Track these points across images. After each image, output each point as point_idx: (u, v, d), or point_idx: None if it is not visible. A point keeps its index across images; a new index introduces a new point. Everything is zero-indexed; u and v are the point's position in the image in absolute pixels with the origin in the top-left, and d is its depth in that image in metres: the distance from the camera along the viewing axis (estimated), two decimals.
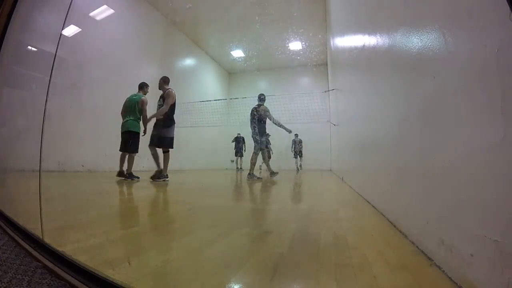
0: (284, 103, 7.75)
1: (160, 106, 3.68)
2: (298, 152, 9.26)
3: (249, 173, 4.44)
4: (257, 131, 4.51)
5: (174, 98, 3.67)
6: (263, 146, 4.59)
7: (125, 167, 3.69)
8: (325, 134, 8.25)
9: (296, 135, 8.98)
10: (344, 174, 3.98)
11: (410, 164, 0.99)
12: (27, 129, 1.73)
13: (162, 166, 3.65)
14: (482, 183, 0.54)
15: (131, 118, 3.70)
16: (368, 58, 1.76)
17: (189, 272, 0.72)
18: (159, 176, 3.57)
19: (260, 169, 7.74)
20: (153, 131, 3.70)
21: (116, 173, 3.71)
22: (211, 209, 1.77)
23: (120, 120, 3.81)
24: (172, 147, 3.72)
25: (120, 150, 3.76)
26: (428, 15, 0.80)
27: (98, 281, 0.61)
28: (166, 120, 3.63)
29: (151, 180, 3.51)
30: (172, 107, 3.66)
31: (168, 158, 3.70)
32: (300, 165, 9.35)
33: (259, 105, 4.59)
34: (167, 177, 3.63)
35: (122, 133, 3.75)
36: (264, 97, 4.69)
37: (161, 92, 3.77)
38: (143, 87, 3.90)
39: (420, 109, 0.89)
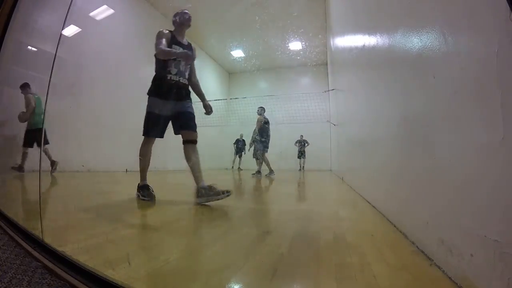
0: (284, 103, 7.75)
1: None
2: (300, 152, 9.26)
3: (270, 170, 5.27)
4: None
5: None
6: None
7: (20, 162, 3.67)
8: (325, 134, 8.25)
9: (301, 136, 9.03)
10: (344, 174, 3.98)
11: (410, 164, 0.99)
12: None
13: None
14: (482, 183, 0.54)
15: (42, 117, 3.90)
16: (368, 58, 1.76)
17: (189, 272, 0.72)
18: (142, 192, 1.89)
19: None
20: (165, 107, 1.93)
21: (17, 168, 3.60)
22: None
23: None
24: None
25: (36, 146, 3.73)
26: (428, 15, 0.80)
27: (98, 281, 0.61)
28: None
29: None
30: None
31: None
32: (303, 166, 9.35)
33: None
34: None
35: (35, 130, 3.73)
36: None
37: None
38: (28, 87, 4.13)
39: (420, 109, 0.89)
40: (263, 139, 5.37)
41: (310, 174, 7.33)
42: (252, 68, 10.70)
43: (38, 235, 0.87)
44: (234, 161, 9.06)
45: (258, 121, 5.37)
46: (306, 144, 9.20)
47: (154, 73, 1.95)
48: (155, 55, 1.92)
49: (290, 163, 9.37)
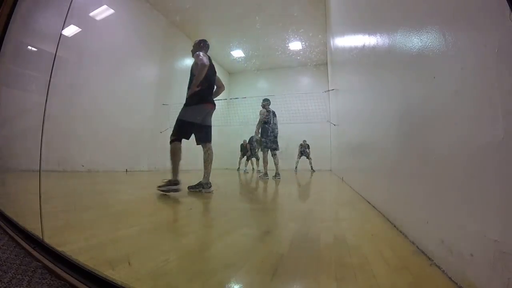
0: (284, 103, 7.75)
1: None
2: (305, 155, 9.15)
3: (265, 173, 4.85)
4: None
5: None
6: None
7: None
8: (325, 134, 8.25)
9: (304, 140, 8.96)
10: (344, 174, 3.98)
11: (410, 164, 0.99)
12: (27, 129, 1.73)
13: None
14: (482, 183, 0.54)
15: None
16: (368, 58, 1.76)
17: (189, 272, 0.72)
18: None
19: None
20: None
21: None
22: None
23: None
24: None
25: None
26: (428, 15, 0.80)
27: (98, 281, 0.61)
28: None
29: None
30: None
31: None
32: (311, 167, 9.21)
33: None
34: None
35: None
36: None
37: None
38: None
39: (420, 109, 0.89)
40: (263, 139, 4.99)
41: (309, 174, 7.33)
42: (252, 68, 10.71)
43: (38, 235, 0.87)
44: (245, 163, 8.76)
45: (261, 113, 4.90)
46: (307, 150, 9.08)
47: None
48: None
49: (291, 163, 9.37)
